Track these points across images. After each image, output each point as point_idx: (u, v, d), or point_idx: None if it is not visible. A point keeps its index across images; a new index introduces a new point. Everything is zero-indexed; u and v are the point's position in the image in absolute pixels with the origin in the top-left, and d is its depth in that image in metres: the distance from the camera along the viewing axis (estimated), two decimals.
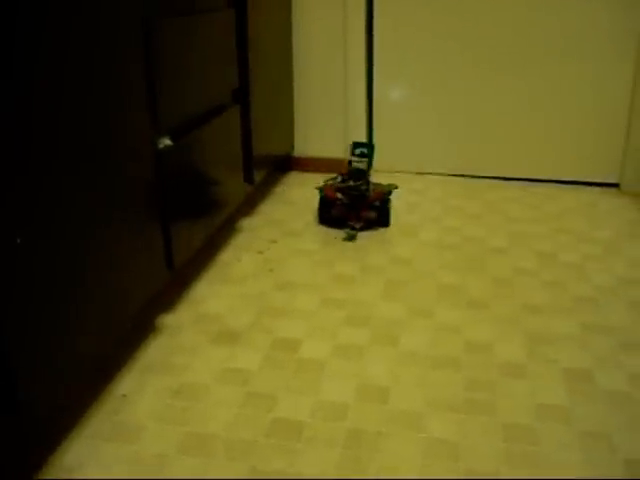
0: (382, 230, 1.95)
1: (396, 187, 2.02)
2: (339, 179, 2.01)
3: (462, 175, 2.43)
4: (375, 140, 2.39)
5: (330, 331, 1.42)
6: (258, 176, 1.98)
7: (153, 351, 1.35)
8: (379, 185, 2.01)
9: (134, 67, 1.18)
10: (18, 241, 0.87)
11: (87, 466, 1.04)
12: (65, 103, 0.97)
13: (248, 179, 1.91)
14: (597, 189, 2.30)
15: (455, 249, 1.83)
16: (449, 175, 2.43)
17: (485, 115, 2.35)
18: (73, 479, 1.02)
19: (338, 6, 2.29)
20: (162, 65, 1.30)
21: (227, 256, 1.78)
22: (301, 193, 2.26)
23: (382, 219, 1.97)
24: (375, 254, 1.79)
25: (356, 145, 2.01)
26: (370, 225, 1.96)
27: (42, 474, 1.03)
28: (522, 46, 2.25)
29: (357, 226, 1.94)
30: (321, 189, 1.99)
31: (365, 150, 2.00)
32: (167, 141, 1.32)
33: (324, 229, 1.95)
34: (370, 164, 2.01)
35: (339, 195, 1.95)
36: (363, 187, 1.95)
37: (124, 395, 1.21)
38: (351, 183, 1.95)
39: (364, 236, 1.91)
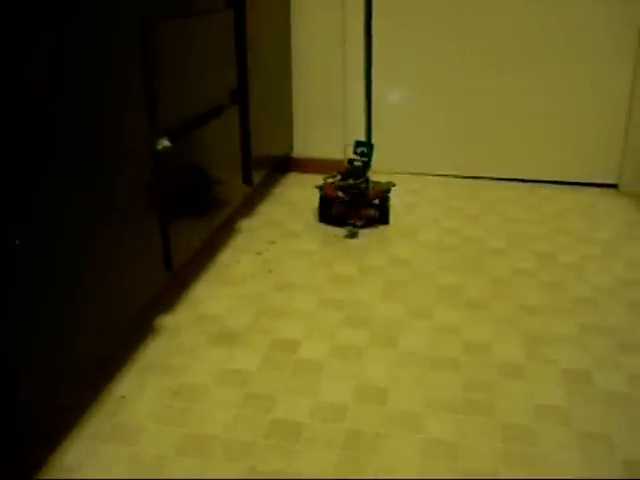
0: (381, 231, 1.95)
1: (394, 185, 2.03)
2: (338, 177, 2.01)
3: (461, 176, 2.43)
4: (374, 141, 2.40)
5: (329, 332, 1.42)
6: (257, 177, 1.98)
7: (152, 352, 1.35)
8: (378, 183, 2.03)
9: (133, 68, 1.18)
10: (17, 242, 0.87)
11: (87, 467, 1.04)
12: (64, 103, 0.97)
13: (247, 180, 1.91)
14: (596, 190, 2.31)
15: (454, 250, 1.83)
16: (448, 176, 2.43)
17: (483, 116, 2.36)
18: (73, 479, 1.03)
19: (337, 7, 2.29)
20: (161, 66, 1.30)
21: (226, 257, 1.78)
22: (300, 194, 2.26)
23: (382, 217, 1.98)
24: (374, 255, 1.79)
25: (358, 144, 2.02)
26: (370, 223, 1.97)
27: (42, 474, 1.03)
28: (520, 47, 2.25)
29: (358, 224, 1.95)
30: (321, 187, 2.00)
31: (365, 149, 2.01)
32: (165, 142, 1.32)
33: (323, 229, 1.95)
34: (369, 163, 2.01)
35: (340, 193, 1.96)
36: (363, 185, 1.96)
37: (123, 396, 1.21)
38: (351, 181, 1.96)
39: (363, 236, 1.91)
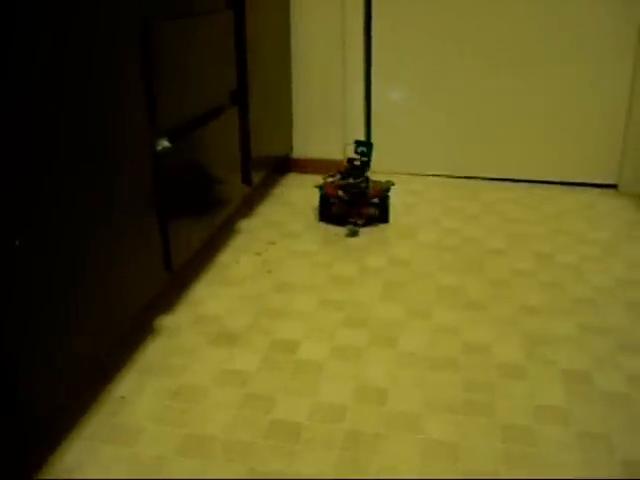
0: (381, 230, 1.95)
1: (393, 184, 2.04)
2: (338, 177, 2.02)
3: (460, 176, 2.43)
4: (373, 141, 2.40)
5: (328, 332, 1.42)
6: (257, 177, 1.98)
7: (152, 352, 1.35)
8: (377, 182, 2.04)
9: (132, 68, 1.18)
10: (17, 243, 0.87)
11: (86, 467, 1.04)
12: (64, 103, 0.97)
13: (246, 180, 1.91)
14: (595, 190, 2.31)
15: (453, 250, 1.83)
16: (447, 176, 2.44)
17: (483, 116, 2.36)
18: (73, 479, 1.03)
19: (336, 7, 2.29)
20: (160, 66, 1.30)
21: (225, 258, 1.78)
22: (300, 194, 2.26)
23: (382, 215, 2.00)
24: (373, 255, 1.79)
25: (358, 143, 2.03)
26: (370, 221, 1.98)
27: (42, 474, 1.03)
28: (520, 47, 2.25)
29: (359, 222, 1.96)
30: (321, 187, 2.01)
31: (364, 149, 2.02)
32: (165, 142, 1.32)
33: (323, 229, 1.95)
34: (369, 162, 2.02)
35: (340, 192, 1.96)
36: (363, 184, 1.97)
37: (123, 396, 1.21)
38: (351, 180, 1.97)
39: (363, 236, 1.91)
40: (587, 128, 2.29)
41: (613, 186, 2.32)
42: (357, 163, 1.99)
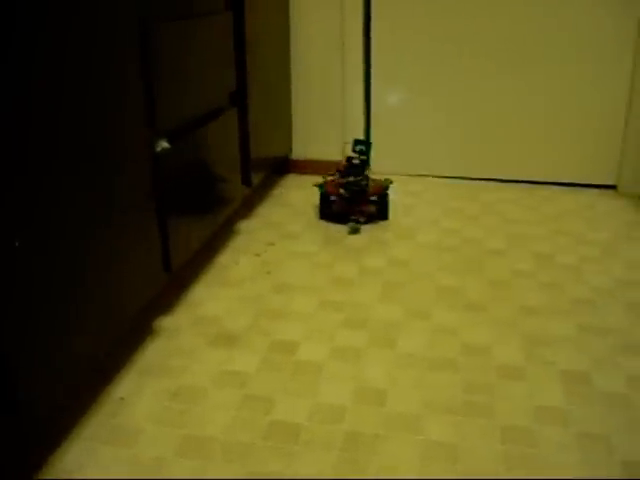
0: (381, 231, 1.95)
1: (392, 182, 2.06)
2: (337, 175, 2.03)
3: (460, 177, 2.43)
4: (373, 142, 2.40)
5: (328, 333, 1.42)
6: (256, 179, 1.98)
7: (151, 354, 1.35)
8: (376, 180, 2.06)
9: (131, 68, 1.19)
10: (16, 244, 0.87)
11: (86, 468, 1.04)
12: (64, 103, 0.97)
13: (246, 181, 1.91)
14: (595, 191, 2.31)
15: (453, 251, 1.83)
16: (447, 177, 2.44)
17: (482, 117, 2.36)
18: (74, 479, 1.03)
19: (336, 8, 2.29)
20: (160, 67, 1.30)
21: (225, 259, 1.78)
22: (299, 195, 2.26)
23: (381, 213, 2.02)
24: (373, 256, 1.79)
25: (357, 142, 2.05)
26: (370, 219, 2.01)
27: (42, 475, 1.03)
28: (519, 48, 2.25)
29: (361, 220, 1.99)
30: (321, 185, 2.03)
31: (363, 147, 2.04)
32: (164, 143, 1.32)
33: (323, 230, 1.95)
34: (368, 160, 2.04)
35: (341, 190, 1.98)
36: (363, 182, 1.99)
37: (122, 398, 1.21)
38: (351, 179, 1.99)
39: (363, 237, 1.91)
40: (587, 129, 2.29)
41: (612, 187, 2.32)
42: (356, 162, 2.01)
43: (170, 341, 1.39)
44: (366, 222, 2.00)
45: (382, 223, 2.02)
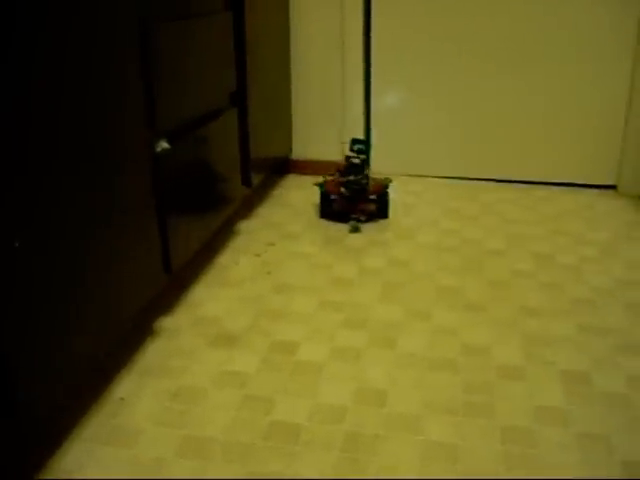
0: (380, 232, 1.96)
1: (391, 181, 2.08)
2: (337, 175, 2.04)
3: (460, 177, 2.43)
4: (372, 142, 2.41)
5: (328, 334, 1.42)
6: (256, 179, 1.98)
7: (151, 354, 1.35)
8: (376, 179, 2.08)
9: (131, 68, 1.19)
10: (16, 244, 0.87)
11: (86, 469, 1.04)
12: (64, 103, 0.97)
13: (246, 182, 1.91)
14: (594, 191, 2.31)
15: (452, 251, 1.83)
16: (447, 177, 2.44)
17: (482, 117, 2.36)
18: (74, 479, 1.03)
19: (336, 8, 2.29)
20: (159, 67, 1.30)
21: (225, 259, 1.78)
22: (299, 196, 2.26)
23: (381, 211, 2.04)
24: (373, 256, 1.79)
25: (355, 141, 2.06)
26: (370, 217, 2.03)
27: (42, 475, 1.03)
28: (519, 48, 2.25)
29: (362, 218, 2.00)
30: (321, 184, 2.04)
31: (362, 146, 2.05)
32: (164, 144, 1.32)
33: (322, 230, 1.95)
34: (368, 159, 2.05)
35: (342, 189, 2.00)
36: (364, 181, 2.01)
37: (122, 398, 1.21)
38: (352, 177, 2.00)
39: (362, 237, 1.91)
40: (586, 128, 2.29)
41: (612, 187, 2.32)
42: (356, 161, 2.02)
43: (170, 341, 1.39)
44: (366, 221, 2.01)
45: (382, 223, 2.02)
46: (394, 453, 1.08)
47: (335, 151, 2.44)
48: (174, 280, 1.61)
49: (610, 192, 2.30)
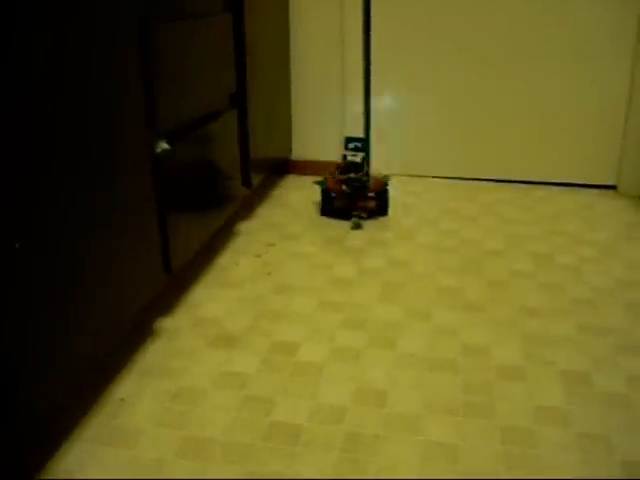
0: (380, 232, 1.96)
1: (390, 178, 2.11)
2: (338, 172, 2.07)
3: (459, 177, 2.43)
4: (372, 142, 2.41)
5: (328, 334, 1.42)
6: (256, 179, 1.98)
7: (151, 355, 1.35)
8: (375, 177, 2.11)
9: (131, 69, 1.19)
10: (16, 246, 0.87)
11: (87, 469, 1.04)
12: (64, 103, 0.97)
13: (246, 183, 1.92)
14: (594, 191, 2.31)
15: (452, 251, 1.83)
16: (446, 178, 2.44)
17: (481, 117, 2.36)
18: (74, 479, 1.03)
19: (335, 8, 2.29)
20: (159, 68, 1.30)
21: (225, 260, 1.78)
22: (299, 196, 2.26)
23: (381, 208, 2.07)
24: (372, 256, 1.79)
25: (349, 140, 2.08)
26: (370, 215, 2.05)
27: (42, 475, 1.03)
28: (518, 47, 2.26)
29: (364, 215, 2.03)
30: (322, 182, 2.06)
31: (359, 144, 2.08)
32: (164, 145, 1.32)
33: (322, 231, 1.96)
34: (368, 156, 2.10)
35: (343, 187, 2.02)
36: (364, 178, 2.03)
37: (122, 399, 1.21)
38: (352, 175, 2.02)
39: (362, 237, 1.91)
40: (586, 128, 2.30)
41: (612, 187, 2.32)
42: (356, 159, 2.03)
43: (170, 342, 1.39)
44: (367, 218, 2.04)
45: (382, 223, 2.02)
46: (394, 453, 1.08)
47: (335, 151, 2.44)
48: (174, 280, 1.61)
49: (610, 192, 2.30)
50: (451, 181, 2.42)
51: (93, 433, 1.12)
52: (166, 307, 1.53)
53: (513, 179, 2.39)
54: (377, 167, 2.39)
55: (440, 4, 2.26)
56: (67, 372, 1.02)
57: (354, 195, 2.03)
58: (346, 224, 2.01)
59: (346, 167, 2.05)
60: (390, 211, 2.09)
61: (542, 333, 1.42)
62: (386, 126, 2.43)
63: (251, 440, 1.11)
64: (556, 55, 2.24)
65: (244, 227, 2.00)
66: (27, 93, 0.89)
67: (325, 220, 2.05)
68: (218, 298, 1.57)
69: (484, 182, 2.40)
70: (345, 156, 2.06)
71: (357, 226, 1.98)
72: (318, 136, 2.45)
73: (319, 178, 2.11)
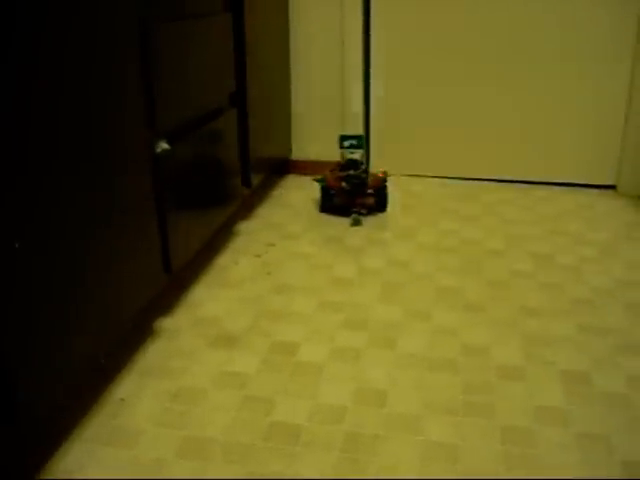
0: (380, 232, 1.96)
1: (388, 175, 2.12)
2: (337, 169, 2.09)
3: (459, 177, 2.43)
4: (372, 142, 2.41)
5: (328, 334, 1.42)
6: (256, 179, 1.98)
7: (151, 355, 1.35)
8: (374, 174, 2.12)
9: (131, 68, 1.19)
10: (16, 245, 0.87)
11: (87, 469, 1.04)
12: (64, 103, 0.97)
13: (246, 182, 1.91)
14: (594, 191, 2.31)
15: (452, 251, 1.83)
16: (447, 177, 2.44)
17: (481, 117, 2.36)
18: (74, 479, 1.03)
19: (335, 8, 2.29)
20: (160, 67, 1.30)
21: (225, 260, 1.78)
22: (299, 196, 2.26)
23: (380, 205, 2.09)
24: (372, 257, 1.79)
25: (343, 138, 2.10)
26: (370, 211, 2.07)
27: (42, 475, 1.03)
28: (519, 49, 2.26)
29: (363, 212, 2.05)
30: (322, 179, 2.08)
31: (354, 142, 2.09)
32: (164, 144, 1.32)
33: (323, 229, 1.96)
34: (367, 154, 2.14)
35: (342, 184, 2.03)
36: (364, 175, 2.05)
37: (122, 399, 1.21)
38: (352, 172, 2.04)
39: (362, 237, 1.91)
40: (586, 129, 2.30)
41: (612, 187, 2.32)
42: (355, 156, 2.04)
43: (170, 342, 1.39)
44: (366, 214, 2.06)
45: (381, 223, 2.02)
46: (394, 453, 1.08)
47: (335, 151, 2.43)
48: (174, 280, 1.61)
49: (610, 192, 2.30)
50: (451, 181, 2.42)
51: (93, 433, 1.12)
52: (166, 307, 1.53)
53: (513, 179, 2.39)
54: (376, 164, 2.39)
55: (440, 5, 2.26)
56: (67, 372, 1.02)
57: (353, 192, 2.04)
58: (345, 221, 2.01)
59: (345, 164, 2.06)
60: (389, 208, 2.10)
61: (542, 333, 1.42)
62: (387, 126, 2.43)
63: (251, 440, 1.11)
64: (556, 55, 2.24)
65: (244, 227, 2.00)
66: (27, 93, 0.89)
67: (325, 219, 2.05)
68: (218, 298, 1.57)
69: (484, 182, 2.40)
70: (344, 154, 2.07)
71: (356, 222, 2.00)
72: (318, 136, 2.45)
73: (318, 176, 2.11)
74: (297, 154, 2.49)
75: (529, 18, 2.21)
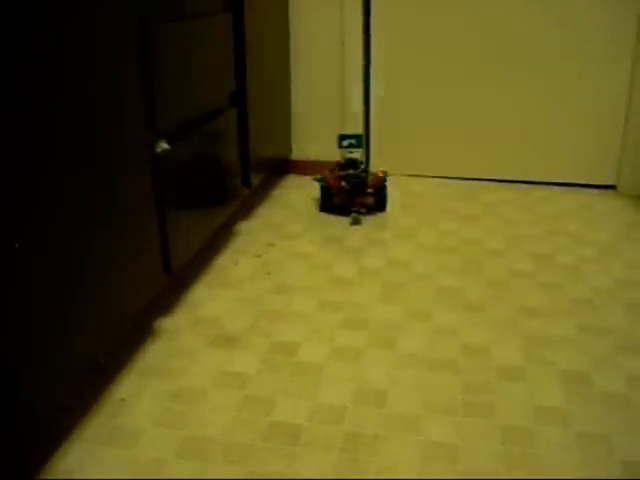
0: (379, 232, 1.96)
1: (388, 175, 2.13)
2: (337, 169, 2.09)
3: (459, 177, 2.43)
4: (372, 142, 2.41)
5: (328, 334, 1.42)
6: (256, 179, 1.98)
7: (151, 355, 1.35)
8: (373, 174, 2.13)
9: (131, 69, 1.19)
10: (16, 245, 0.87)
11: (87, 469, 1.04)
12: (64, 103, 0.97)
13: (246, 182, 1.91)
14: (594, 191, 2.31)
15: (452, 251, 1.83)
16: (447, 177, 2.44)
17: (482, 117, 2.36)
18: (74, 479, 1.03)
19: (335, 9, 2.29)
20: (160, 67, 1.30)
21: (225, 260, 1.78)
22: (299, 196, 2.26)
23: (379, 204, 2.10)
24: (372, 256, 1.79)
25: (343, 137, 2.11)
26: (369, 210, 2.08)
27: (42, 475, 1.03)
28: (519, 48, 2.26)
29: (363, 211, 2.06)
30: (322, 179, 2.08)
31: (353, 141, 2.10)
32: (164, 144, 1.32)
33: (323, 229, 1.96)
34: (367, 153, 2.14)
35: (342, 183, 2.04)
36: (363, 174, 2.06)
37: (122, 399, 1.21)
38: (351, 171, 2.05)
39: (362, 237, 1.91)
40: (586, 129, 2.30)
41: (612, 187, 2.32)
42: (355, 155, 2.05)
43: (170, 342, 1.39)
44: (366, 213, 2.06)
45: (382, 223, 2.02)
46: (394, 453, 1.08)
47: (335, 151, 2.43)
48: (174, 280, 1.61)
49: (610, 192, 2.30)
50: (451, 181, 2.42)
51: (93, 433, 1.12)
52: (166, 307, 1.53)
53: (513, 179, 2.39)
54: (376, 164, 2.39)
55: (440, 5, 2.26)
56: (67, 372, 1.02)
57: (353, 191, 2.04)
58: (345, 221, 2.02)
59: (345, 164, 2.07)
60: (389, 208, 2.11)
61: (542, 333, 1.42)
62: (387, 126, 2.43)
63: (251, 440, 1.11)
64: (556, 55, 2.24)
65: (244, 227, 2.00)
66: (27, 93, 0.89)
67: (325, 219, 2.05)
68: (218, 298, 1.57)
69: (484, 182, 2.40)
70: (343, 153, 2.08)
71: (356, 221, 2.00)
72: (318, 136, 2.45)
73: (318, 176, 2.11)
74: (297, 154, 2.49)
75: (529, 18, 2.21)
